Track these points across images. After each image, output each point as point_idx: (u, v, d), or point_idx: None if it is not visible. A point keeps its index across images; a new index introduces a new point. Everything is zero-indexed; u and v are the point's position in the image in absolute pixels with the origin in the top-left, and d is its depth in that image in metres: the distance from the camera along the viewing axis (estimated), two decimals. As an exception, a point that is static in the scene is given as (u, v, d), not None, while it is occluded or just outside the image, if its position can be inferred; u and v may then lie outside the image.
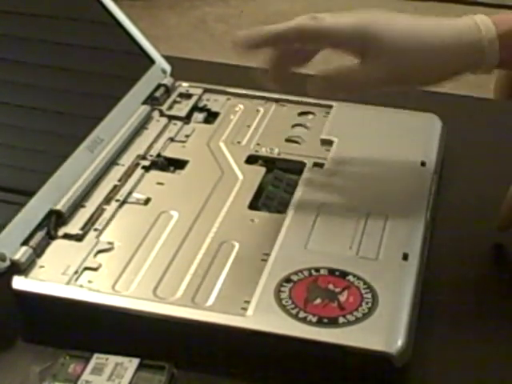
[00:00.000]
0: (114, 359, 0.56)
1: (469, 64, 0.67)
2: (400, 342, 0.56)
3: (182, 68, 0.88)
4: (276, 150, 0.75)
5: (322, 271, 0.62)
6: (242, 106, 0.83)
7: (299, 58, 0.70)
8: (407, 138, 0.70)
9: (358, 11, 0.69)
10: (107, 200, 0.70)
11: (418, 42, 0.66)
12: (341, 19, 0.67)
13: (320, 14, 0.68)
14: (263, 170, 0.74)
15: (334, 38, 0.67)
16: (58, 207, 0.67)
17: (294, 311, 0.58)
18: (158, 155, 0.76)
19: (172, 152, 0.77)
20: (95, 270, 0.63)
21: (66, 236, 0.66)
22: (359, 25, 0.66)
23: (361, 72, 0.67)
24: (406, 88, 0.69)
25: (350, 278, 0.61)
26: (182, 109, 0.83)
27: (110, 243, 0.65)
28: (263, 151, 0.76)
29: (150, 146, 0.77)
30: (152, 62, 0.85)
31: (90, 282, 0.62)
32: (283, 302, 0.59)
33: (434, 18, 0.69)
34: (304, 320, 0.58)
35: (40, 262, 0.63)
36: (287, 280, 0.61)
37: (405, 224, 0.67)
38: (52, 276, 0.62)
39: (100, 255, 0.64)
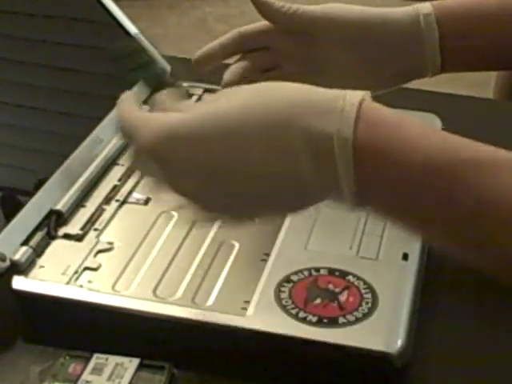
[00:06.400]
0: (113, 359, 0.56)
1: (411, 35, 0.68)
2: (400, 342, 0.56)
3: (182, 68, 0.87)
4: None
5: (322, 271, 0.62)
6: (241, 106, 0.83)
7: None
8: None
9: None
10: (107, 200, 0.70)
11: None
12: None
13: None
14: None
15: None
16: (58, 207, 0.67)
17: (294, 311, 0.58)
18: (158, 155, 0.76)
19: (172, 152, 0.77)
20: (95, 270, 0.63)
21: (66, 236, 0.66)
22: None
23: None
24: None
25: (350, 278, 0.61)
26: (182, 109, 0.83)
27: (109, 243, 0.65)
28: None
29: (150, 146, 0.77)
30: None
31: (89, 282, 0.62)
32: (283, 301, 0.59)
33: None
34: (304, 320, 0.57)
35: (40, 262, 0.63)
36: (287, 280, 0.61)
37: (405, 224, 0.67)
38: (52, 276, 0.62)
39: (100, 255, 0.64)
